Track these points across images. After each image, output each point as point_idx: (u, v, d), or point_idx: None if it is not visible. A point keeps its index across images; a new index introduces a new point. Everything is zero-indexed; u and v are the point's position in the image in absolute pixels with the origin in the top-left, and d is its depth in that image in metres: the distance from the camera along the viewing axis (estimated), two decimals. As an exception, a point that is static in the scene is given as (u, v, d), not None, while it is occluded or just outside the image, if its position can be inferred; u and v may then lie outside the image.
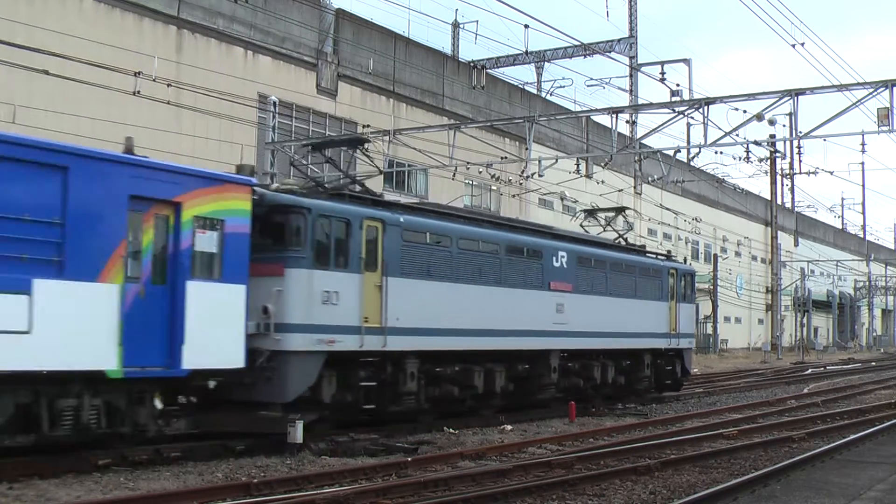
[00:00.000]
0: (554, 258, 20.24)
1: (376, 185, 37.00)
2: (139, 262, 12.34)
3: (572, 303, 20.61)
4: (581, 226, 23.30)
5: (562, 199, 47.99)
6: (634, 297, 23.29)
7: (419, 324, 16.37)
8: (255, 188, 14.07)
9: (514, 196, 43.97)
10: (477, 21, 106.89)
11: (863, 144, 23.59)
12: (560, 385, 20.43)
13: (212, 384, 13.08)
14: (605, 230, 22.80)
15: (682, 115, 23.19)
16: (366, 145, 19.17)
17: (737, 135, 23.07)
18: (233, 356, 13.23)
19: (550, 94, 56.52)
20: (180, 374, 12.58)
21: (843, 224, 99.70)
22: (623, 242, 23.98)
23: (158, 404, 12.57)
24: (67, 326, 11.33)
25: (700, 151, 24.20)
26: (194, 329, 12.62)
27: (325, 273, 14.64)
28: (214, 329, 12.97)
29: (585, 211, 25.02)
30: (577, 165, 30.15)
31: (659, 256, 26.50)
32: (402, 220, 16.25)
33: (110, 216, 11.89)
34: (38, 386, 11.22)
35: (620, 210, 24.39)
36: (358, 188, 16.97)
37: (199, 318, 12.72)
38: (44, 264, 11.18)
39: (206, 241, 12.99)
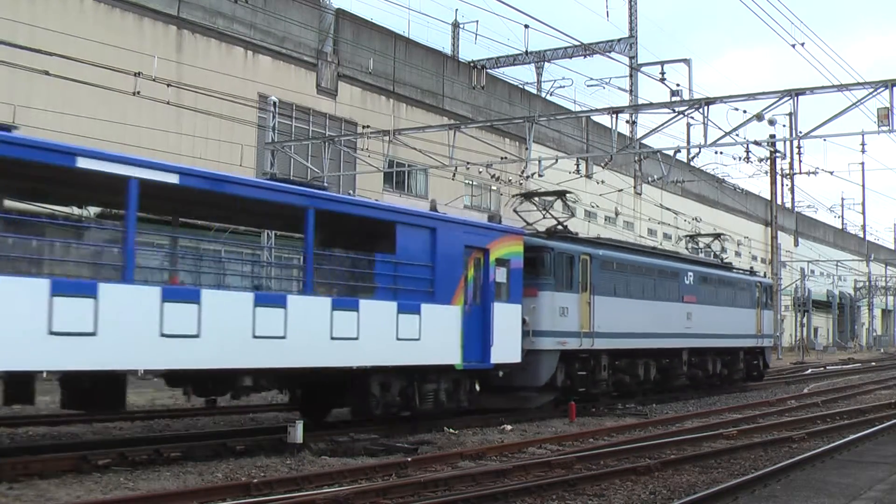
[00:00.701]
0: (685, 277, 25.91)
1: (376, 184, 37.07)
2: (468, 290, 17.22)
3: (696, 312, 26.14)
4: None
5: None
6: (734, 305, 28.90)
7: (611, 329, 21.63)
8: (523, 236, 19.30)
9: (513, 196, 43.97)
10: (477, 21, 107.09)
11: (863, 144, 23.61)
12: (687, 375, 26.05)
13: (500, 374, 17.92)
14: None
15: (682, 115, 23.21)
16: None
17: (737, 135, 23.11)
18: (515, 354, 18.14)
19: (550, 94, 56.58)
20: (489, 366, 17.57)
21: (843, 224, 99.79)
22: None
23: (477, 387, 17.87)
24: (437, 335, 16.35)
25: (700, 151, 24.25)
26: (496, 335, 17.53)
27: (561, 294, 20.04)
28: (505, 335, 17.87)
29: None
30: (577, 165, 30.17)
31: (745, 272, 32.59)
32: (600, 253, 21.92)
33: (456, 260, 16.87)
34: (415, 374, 16.14)
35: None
36: (560, 228, 22.44)
37: (499, 328, 17.61)
38: (424, 294, 16.12)
39: (501, 275, 17.95)
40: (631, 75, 58.67)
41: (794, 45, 31.35)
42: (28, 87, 25.09)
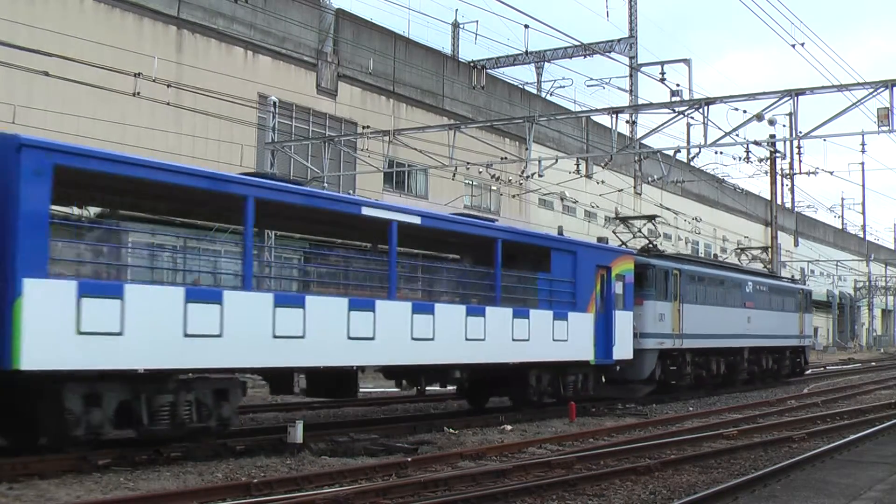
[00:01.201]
0: (746, 286, 30.46)
1: (376, 184, 37.06)
2: (598, 300, 21.14)
3: (754, 316, 30.55)
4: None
5: (562, 199, 47.99)
6: (782, 310, 33.65)
7: (694, 331, 25.85)
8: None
9: (514, 196, 43.96)
10: (477, 21, 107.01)
11: (863, 144, 23.60)
12: (746, 370, 30.34)
13: (618, 368, 21.89)
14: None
15: (682, 116, 23.20)
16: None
17: (737, 135, 23.11)
18: (629, 352, 22.22)
19: (550, 94, 56.56)
20: (612, 362, 21.50)
21: (843, 224, 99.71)
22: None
23: (602, 379, 22.07)
24: (578, 337, 20.43)
25: (700, 151, 24.25)
26: (616, 337, 21.52)
27: (660, 303, 24.28)
28: (622, 337, 21.88)
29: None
30: (577, 165, 30.15)
31: (788, 280, 38.81)
32: (687, 268, 26.39)
33: (590, 276, 20.87)
34: (560, 368, 20.26)
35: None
36: (652, 247, 27.22)
37: (618, 331, 21.60)
38: (569, 304, 20.22)
39: (619, 287, 21.94)
40: (631, 75, 58.66)
41: (794, 45, 31.35)
42: (28, 88, 25.08)
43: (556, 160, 25.76)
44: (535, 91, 56.43)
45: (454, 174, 31.43)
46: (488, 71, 46.60)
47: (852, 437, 15.73)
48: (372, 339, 15.25)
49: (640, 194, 56.50)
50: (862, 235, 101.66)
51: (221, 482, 11.30)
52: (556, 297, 20.07)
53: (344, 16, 36.84)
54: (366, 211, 15.82)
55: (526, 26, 52.65)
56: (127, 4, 28.61)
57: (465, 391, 20.94)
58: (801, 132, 22.19)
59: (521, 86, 50.90)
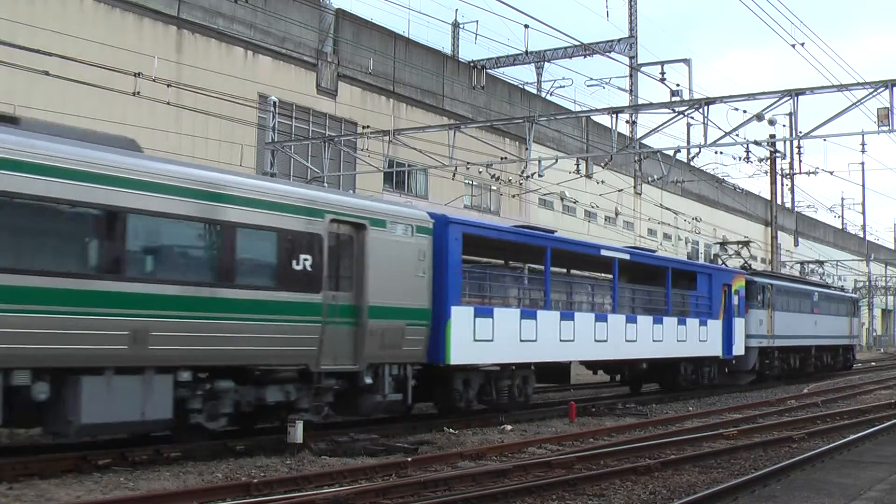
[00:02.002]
0: (813, 296, 38.03)
1: (376, 184, 37.04)
2: (721, 309, 27.54)
3: (819, 320, 38.02)
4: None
5: (562, 199, 48.00)
6: (837, 315, 41.39)
7: (781, 333, 32.82)
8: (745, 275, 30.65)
9: (513, 196, 43.95)
10: (477, 21, 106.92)
11: (863, 144, 23.62)
12: (813, 364, 37.49)
13: (734, 361, 28.72)
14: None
15: (682, 115, 23.18)
16: None
17: (737, 135, 23.08)
18: (742, 349, 29.03)
19: (550, 94, 56.52)
20: (731, 357, 28.52)
21: (843, 224, 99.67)
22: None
23: (726, 370, 29.84)
24: (713, 337, 26.98)
25: (700, 151, 24.23)
26: (734, 338, 28.19)
27: (760, 311, 31.11)
28: (738, 338, 28.55)
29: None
30: (577, 165, 30.15)
31: (839, 289, 46.40)
32: (776, 283, 33.65)
33: (719, 292, 27.51)
34: (698, 361, 27.03)
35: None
36: (748, 267, 35.92)
37: (735, 333, 28.37)
38: (706, 314, 26.80)
39: (736, 300, 28.52)
40: (631, 75, 58.64)
41: (793, 45, 31.32)
42: (28, 88, 25.08)
43: (556, 160, 25.74)
44: (535, 91, 56.41)
45: (454, 174, 31.42)
46: (488, 71, 46.61)
47: (852, 437, 15.73)
48: (605, 341, 21.99)
49: (640, 194, 56.50)
50: (862, 235, 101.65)
51: (221, 482, 11.30)
52: (701, 308, 26.94)
53: (344, 16, 36.84)
54: (603, 252, 23.23)
55: (526, 26, 52.58)
56: (127, 4, 28.60)
57: (626, 380, 27.06)
58: (801, 132, 22.18)
59: (521, 86, 50.88)
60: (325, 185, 31.57)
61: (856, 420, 19.36)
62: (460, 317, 17.32)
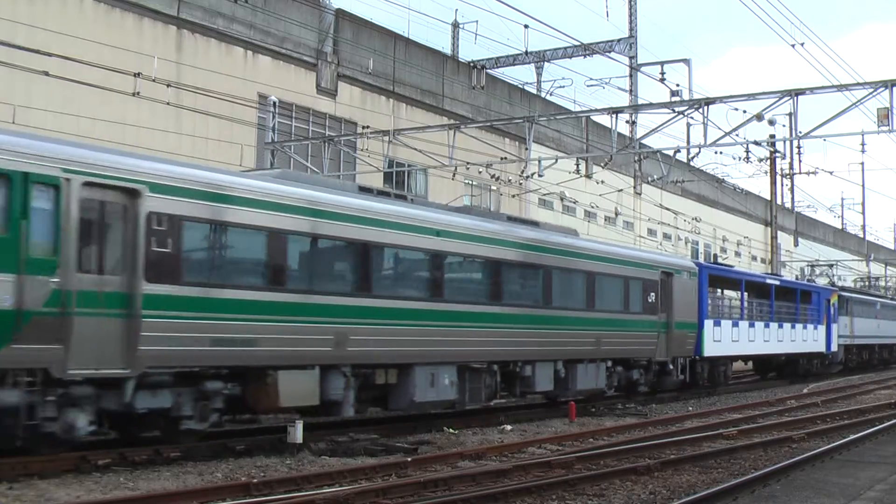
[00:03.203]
0: (876, 305, 47.51)
1: (376, 184, 37.00)
2: (821, 315, 36.05)
3: (881, 324, 47.54)
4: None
5: (561, 199, 47.98)
6: (893, 320, 50.08)
7: (856, 334, 41.44)
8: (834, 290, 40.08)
9: (513, 196, 43.94)
10: (477, 21, 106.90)
11: (863, 144, 23.98)
12: (877, 359, 47.56)
13: (830, 356, 36.69)
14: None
15: (681, 115, 23.17)
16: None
17: (737, 135, 23.08)
18: (835, 346, 37.45)
19: (550, 94, 56.48)
20: (830, 353, 37.12)
21: (843, 224, 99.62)
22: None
23: (826, 363, 38.16)
24: (819, 337, 36.16)
25: (700, 151, 24.21)
26: (832, 338, 37.09)
27: (844, 317, 39.47)
28: (833, 338, 37.00)
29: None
30: (577, 165, 30.12)
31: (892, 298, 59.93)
32: (853, 296, 43.03)
33: (823, 304, 36.59)
34: (808, 356, 35.91)
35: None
36: (833, 285, 46.28)
37: (832, 334, 37.13)
38: (817, 320, 36.27)
39: (832, 309, 36.98)
40: (631, 75, 58.62)
41: (793, 45, 31.32)
42: (28, 88, 25.07)
43: (556, 160, 25.74)
44: (535, 91, 56.38)
45: (454, 174, 31.41)
46: (488, 71, 46.58)
47: (852, 437, 15.73)
48: (752, 341, 30.06)
49: (640, 194, 56.48)
50: (862, 235, 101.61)
51: (221, 482, 11.30)
52: (814, 317, 35.57)
53: (344, 16, 36.83)
54: (768, 280, 33.47)
55: (526, 26, 52.66)
56: (127, 4, 28.59)
57: (757, 369, 37.01)
58: (801, 132, 22.18)
59: (521, 86, 50.86)
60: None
61: (856, 420, 19.36)
62: (708, 326, 26.45)
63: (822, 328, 36.24)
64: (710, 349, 26.52)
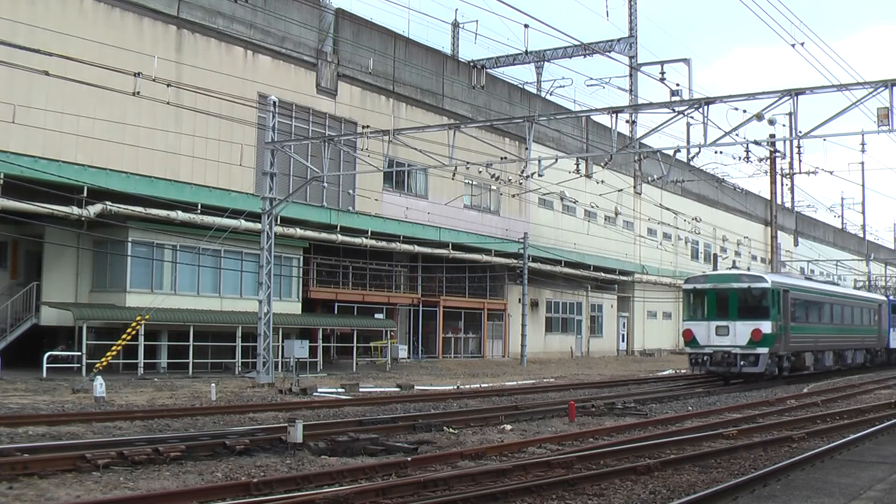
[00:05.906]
0: None
1: (376, 184, 37.04)
2: (887, 321, 47.72)
3: None
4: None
5: (561, 198, 48.00)
6: None
7: None
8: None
9: (513, 196, 43.96)
10: (477, 21, 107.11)
11: (863, 144, 23.93)
12: None
13: (889, 350, 47.83)
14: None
15: (681, 115, 23.16)
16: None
17: (737, 135, 23.07)
18: (895, 343, 48.12)
19: (550, 94, 56.57)
20: (891, 347, 47.17)
21: (843, 224, 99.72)
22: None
23: (886, 355, 48.07)
24: (882, 336, 47.70)
25: (700, 151, 24.20)
26: (891, 337, 47.11)
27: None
28: (893, 337, 47.53)
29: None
30: (577, 165, 30.10)
31: None
32: None
33: (888, 313, 47.33)
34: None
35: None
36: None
37: (891, 334, 47.40)
38: (892, 325, 48.97)
39: (892, 315, 48.38)
40: (631, 75, 58.67)
41: (793, 45, 31.34)
42: (28, 87, 25.09)
43: (556, 160, 25.73)
44: (534, 91, 56.44)
45: (454, 174, 31.42)
46: (488, 70, 46.62)
47: (852, 436, 15.71)
48: None
49: (640, 194, 56.51)
50: (862, 235, 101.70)
51: (221, 482, 11.29)
52: (889, 322, 46.38)
53: (344, 15, 36.85)
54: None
55: (526, 26, 52.63)
56: (127, 4, 28.62)
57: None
58: (800, 132, 22.18)
59: (520, 85, 50.91)
60: (325, 185, 31.62)
61: (856, 420, 19.35)
62: (893, 333, 45.43)
63: (882, 332, 49.00)
64: (892, 343, 46.88)
